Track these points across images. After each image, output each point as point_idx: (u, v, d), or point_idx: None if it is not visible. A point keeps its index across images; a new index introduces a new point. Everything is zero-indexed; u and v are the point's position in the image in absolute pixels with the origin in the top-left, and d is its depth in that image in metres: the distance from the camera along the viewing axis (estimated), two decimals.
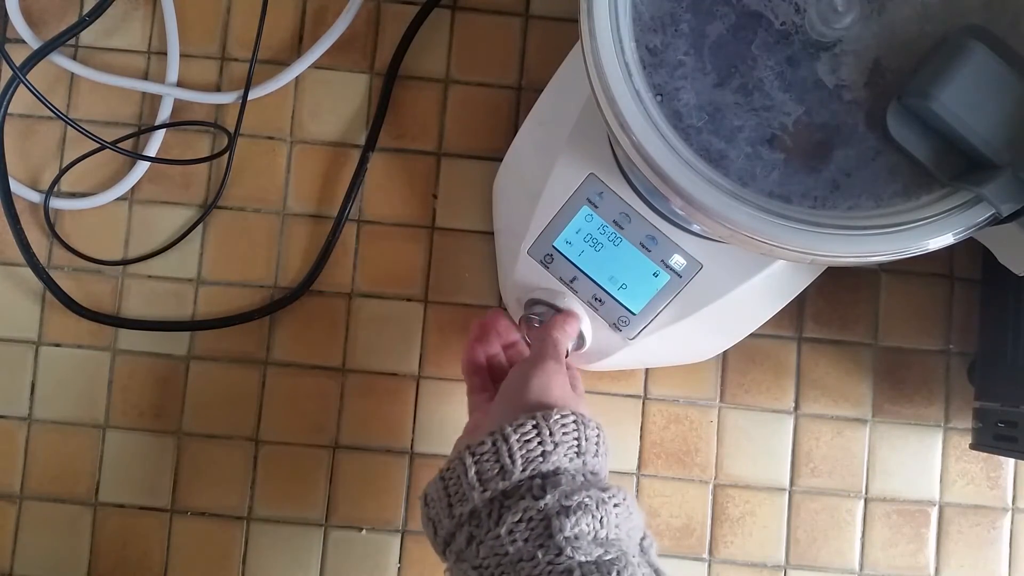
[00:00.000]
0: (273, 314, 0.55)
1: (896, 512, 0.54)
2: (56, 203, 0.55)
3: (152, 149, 0.55)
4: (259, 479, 0.55)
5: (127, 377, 0.55)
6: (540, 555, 0.35)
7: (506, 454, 0.38)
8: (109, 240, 0.56)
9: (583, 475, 0.39)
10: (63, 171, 0.55)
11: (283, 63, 0.56)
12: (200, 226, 0.56)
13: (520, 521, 0.36)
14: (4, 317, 0.55)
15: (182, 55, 0.56)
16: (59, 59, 0.55)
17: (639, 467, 0.54)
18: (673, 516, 0.54)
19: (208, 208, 0.55)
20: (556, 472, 0.39)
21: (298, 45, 0.56)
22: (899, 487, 0.54)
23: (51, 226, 0.55)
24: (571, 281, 0.47)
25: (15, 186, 0.54)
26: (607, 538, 0.36)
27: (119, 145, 0.54)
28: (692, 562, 0.54)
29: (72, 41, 0.56)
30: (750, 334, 0.51)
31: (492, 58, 0.56)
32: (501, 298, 0.55)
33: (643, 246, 0.46)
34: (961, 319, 0.55)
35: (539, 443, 0.39)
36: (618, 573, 0.35)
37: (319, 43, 0.55)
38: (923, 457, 0.55)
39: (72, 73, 0.56)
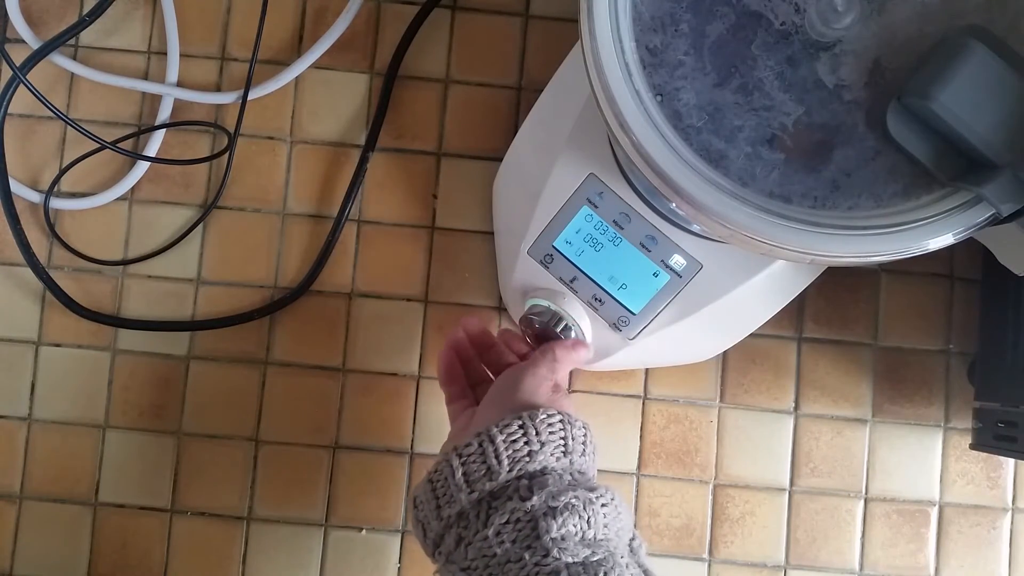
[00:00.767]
0: (273, 314, 0.55)
1: (896, 512, 0.54)
2: (56, 203, 0.55)
3: (152, 149, 0.55)
4: (259, 479, 0.55)
5: (127, 377, 0.55)
6: (527, 556, 0.35)
7: (492, 454, 0.38)
8: (109, 240, 0.56)
9: (570, 474, 0.39)
10: (63, 171, 0.55)
11: (283, 63, 0.56)
12: (200, 226, 0.56)
13: (507, 523, 0.37)
14: (4, 317, 0.55)
15: (182, 55, 0.56)
16: (59, 59, 0.55)
17: (639, 467, 0.54)
18: (673, 516, 0.54)
19: (208, 208, 0.55)
20: (543, 472, 0.39)
21: (298, 45, 0.56)
22: (899, 487, 0.54)
23: (51, 226, 0.55)
24: (571, 281, 0.47)
25: (15, 186, 0.54)
26: (595, 539, 0.36)
27: (119, 145, 0.54)
28: (692, 562, 0.54)
29: (72, 41, 0.56)
30: (750, 334, 0.51)
31: (492, 58, 0.56)
32: (501, 298, 0.55)
33: (643, 246, 0.46)
34: (961, 319, 0.55)
35: (525, 443, 0.39)
36: (605, 574, 0.35)
37: (319, 43, 0.55)
38: (923, 457, 0.55)
39: (72, 73, 0.56)
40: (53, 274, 0.55)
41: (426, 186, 0.56)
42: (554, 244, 0.47)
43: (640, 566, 0.38)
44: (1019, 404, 0.48)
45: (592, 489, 0.38)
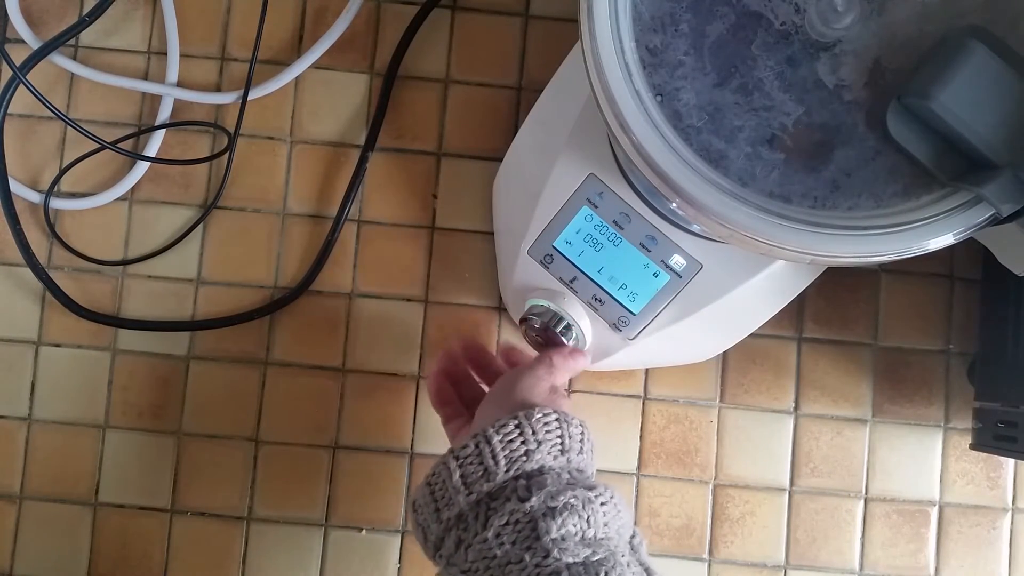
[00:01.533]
0: (273, 314, 0.55)
1: (896, 512, 0.54)
2: (56, 203, 0.55)
3: (152, 149, 0.55)
4: (259, 479, 0.55)
5: (127, 377, 0.55)
6: (527, 558, 0.35)
7: (489, 455, 0.38)
8: (109, 240, 0.56)
9: (568, 473, 0.39)
10: (63, 171, 0.55)
11: (283, 63, 0.56)
12: (200, 226, 0.56)
13: (507, 524, 0.36)
14: (4, 317, 0.55)
15: (182, 55, 0.56)
16: (59, 59, 0.55)
17: (639, 467, 0.54)
18: (673, 516, 0.54)
19: (208, 208, 0.55)
20: (541, 471, 0.39)
21: (298, 45, 0.56)
22: (899, 487, 0.54)
23: (51, 226, 0.55)
24: (571, 281, 0.47)
25: (15, 186, 0.54)
26: (595, 538, 0.36)
27: (119, 145, 0.54)
28: (692, 562, 0.54)
29: (72, 41, 0.56)
30: (750, 334, 0.51)
31: (492, 58, 0.56)
32: (501, 298, 0.55)
33: (643, 246, 0.46)
34: (961, 319, 0.55)
35: (522, 442, 0.39)
36: (606, 574, 0.35)
37: (319, 43, 0.55)
38: (923, 457, 0.55)
39: (72, 73, 0.56)
40: (53, 274, 0.55)
41: (426, 186, 0.56)
42: (554, 244, 0.47)
43: (641, 564, 0.37)
44: (1019, 404, 0.48)
45: (591, 488, 0.38)
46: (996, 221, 0.34)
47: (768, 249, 0.35)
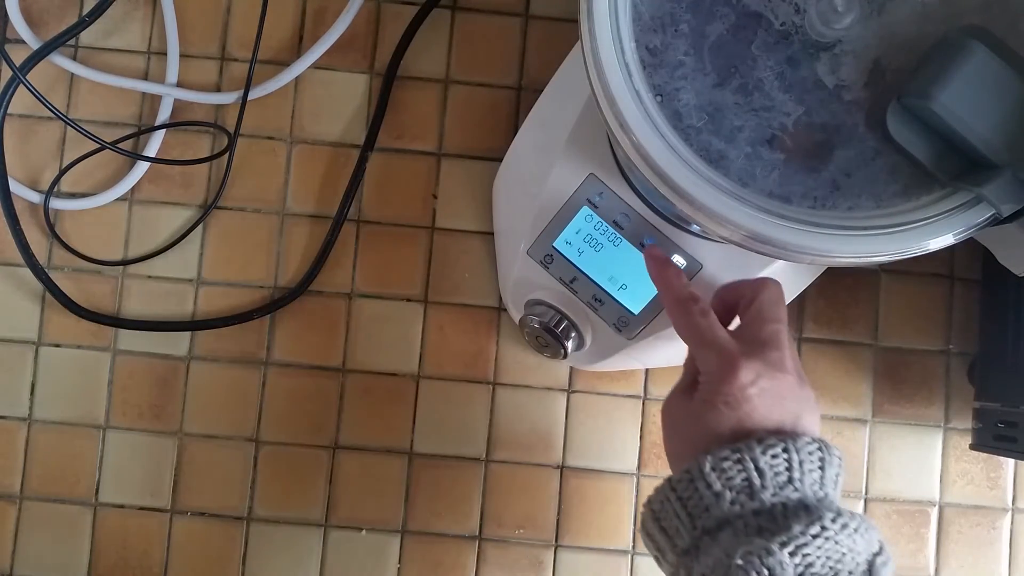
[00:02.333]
0: (273, 314, 0.55)
1: (896, 512, 0.54)
2: (56, 203, 0.55)
3: (152, 149, 0.55)
4: (259, 479, 0.55)
5: (127, 377, 0.55)
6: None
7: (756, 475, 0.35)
8: (109, 240, 0.56)
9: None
10: (63, 171, 0.55)
11: (283, 63, 0.56)
12: (200, 226, 0.56)
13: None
14: (4, 317, 0.55)
15: (182, 55, 0.56)
16: (59, 59, 0.55)
17: (639, 467, 0.54)
18: None
19: (208, 208, 0.55)
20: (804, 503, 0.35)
21: (298, 45, 0.56)
22: (899, 487, 0.54)
23: (51, 226, 0.55)
24: (571, 281, 0.47)
25: (15, 186, 0.54)
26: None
27: (119, 145, 0.54)
28: None
29: (72, 41, 0.56)
30: None
31: (492, 58, 0.56)
32: (501, 298, 0.55)
33: (643, 246, 0.46)
34: (961, 319, 0.55)
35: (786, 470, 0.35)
36: None
37: (319, 43, 0.55)
38: (923, 457, 0.55)
39: (72, 73, 0.56)
40: (53, 274, 0.55)
41: (426, 186, 0.56)
42: (554, 244, 0.47)
43: None
44: (1019, 404, 0.48)
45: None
46: (996, 221, 0.34)
47: (768, 249, 0.35)
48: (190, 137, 0.56)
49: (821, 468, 0.36)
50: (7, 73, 0.55)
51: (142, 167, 0.55)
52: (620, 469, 0.54)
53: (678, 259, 0.46)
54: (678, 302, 0.40)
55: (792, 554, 0.32)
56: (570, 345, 0.48)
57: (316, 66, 0.56)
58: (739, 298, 0.41)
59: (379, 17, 0.56)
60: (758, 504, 0.34)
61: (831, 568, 0.33)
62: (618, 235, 0.46)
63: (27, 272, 0.54)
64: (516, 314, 0.50)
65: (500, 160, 0.53)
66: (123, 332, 0.55)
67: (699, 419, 0.37)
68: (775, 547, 0.32)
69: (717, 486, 0.35)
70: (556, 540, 0.54)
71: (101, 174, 0.56)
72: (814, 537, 0.33)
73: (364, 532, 0.54)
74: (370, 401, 0.55)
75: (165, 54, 0.56)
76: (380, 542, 0.54)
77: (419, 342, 0.55)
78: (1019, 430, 0.48)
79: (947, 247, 0.35)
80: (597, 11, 0.35)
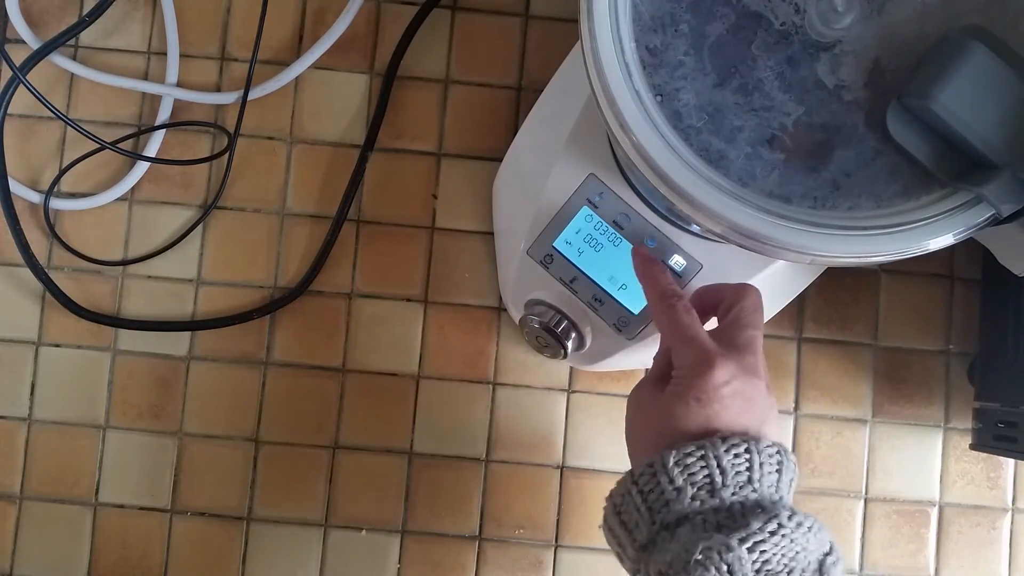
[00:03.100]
0: (273, 314, 0.55)
1: (896, 512, 0.54)
2: (56, 203, 0.55)
3: (152, 149, 0.55)
4: (259, 479, 0.55)
5: (127, 377, 0.55)
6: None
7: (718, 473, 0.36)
8: (109, 240, 0.56)
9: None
10: (63, 171, 0.55)
11: (283, 63, 0.56)
12: (200, 226, 0.56)
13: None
14: (4, 317, 0.55)
15: (182, 55, 0.56)
16: (59, 59, 0.55)
17: None
18: None
19: (208, 208, 0.55)
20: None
21: (298, 45, 0.56)
22: (899, 487, 0.54)
23: (51, 226, 0.55)
24: (571, 281, 0.47)
25: (15, 186, 0.54)
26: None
27: (119, 145, 0.54)
28: None
29: (72, 41, 0.56)
30: None
31: (492, 58, 0.56)
32: (501, 298, 0.55)
33: (643, 246, 0.46)
34: (961, 319, 0.55)
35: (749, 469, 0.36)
36: None
37: (319, 43, 0.55)
38: (923, 457, 0.55)
39: (72, 73, 0.56)
40: (53, 274, 0.55)
41: (426, 186, 0.56)
42: (554, 244, 0.47)
43: None
44: (1019, 404, 0.48)
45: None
46: (996, 221, 0.34)
47: (768, 249, 0.35)
48: (190, 137, 0.56)
49: (779, 472, 0.36)
50: (7, 73, 0.55)
51: (142, 167, 0.55)
52: (620, 469, 0.54)
53: (678, 259, 0.46)
54: (662, 297, 0.41)
55: (750, 550, 0.33)
56: (570, 345, 0.48)
57: (316, 66, 0.56)
58: (719, 300, 0.42)
59: (379, 17, 0.56)
60: (718, 502, 0.35)
61: (785, 566, 0.33)
62: (618, 235, 0.46)
63: (27, 272, 0.54)
64: (516, 314, 0.50)
65: (500, 160, 0.53)
66: (123, 332, 0.55)
67: (667, 411, 0.37)
68: (734, 543, 0.33)
69: (679, 481, 0.35)
70: (556, 540, 0.54)
71: (101, 174, 0.56)
72: (771, 534, 0.33)
73: (364, 532, 0.54)
74: (370, 401, 0.55)
75: (165, 54, 0.56)
76: (380, 542, 0.54)
77: (419, 342, 0.55)
78: (1019, 430, 0.48)
79: (947, 247, 0.35)
80: (597, 11, 0.35)
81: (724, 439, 0.36)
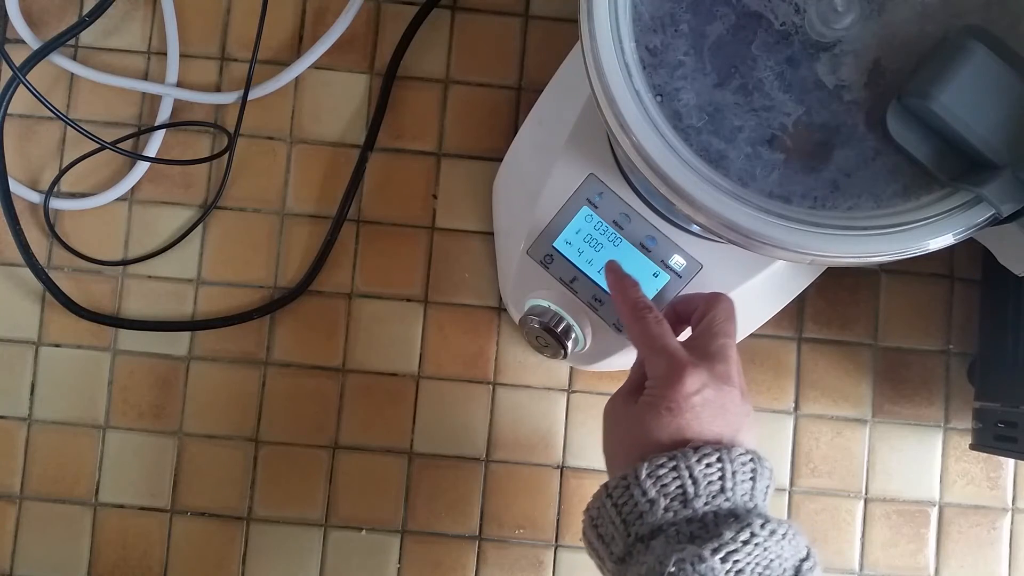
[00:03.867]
0: (273, 314, 0.55)
1: (896, 512, 0.54)
2: (56, 203, 0.55)
3: (152, 149, 0.55)
4: (259, 479, 0.55)
5: (127, 377, 0.55)
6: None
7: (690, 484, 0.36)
8: (109, 240, 0.56)
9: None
10: (63, 171, 0.55)
11: (283, 63, 0.56)
12: (200, 226, 0.56)
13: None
14: (4, 317, 0.55)
15: (182, 55, 0.56)
16: (59, 59, 0.55)
17: None
18: None
19: (208, 208, 0.55)
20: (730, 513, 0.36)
21: (298, 45, 0.56)
22: (899, 487, 0.54)
23: (51, 226, 0.55)
24: (571, 281, 0.47)
25: (15, 186, 0.54)
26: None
27: (119, 145, 0.54)
28: None
29: (72, 41, 0.56)
30: (750, 334, 0.51)
31: (492, 58, 0.56)
32: (501, 298, 0.55)
33: (643, 246, 0.46)
34: (961, 319, 0.55)
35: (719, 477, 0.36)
36: None
37: (319, 43, 0.55)
38: (923, 457, 0.55)
39: (72, 73, 0.56)
40: (53, 274, 0.55)
41: (426, 186, 0.56)
42: (554, 244, 0.47)
43: None
44: (1019, 404, 0.48)
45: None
46: (996, 221, 0.34)
47: (768, 249, 0.35)
48: (190, 137, 0.56)
49: (752, 479, 0.36)
50: (7, 73, 0.55)
51: (142, 167, 0.55)
52: None
53: (678, 259, 0.46)
54: (634, 309, 0.41)
55: (723, 560, 0.33)
56: (570, 345, 0.48)
57: (316, 66, 0.56)
58: (692, 310, 0.42)
59: (379, 17, 0.56)
60: (691, 512, 0.35)
61: (759, 574, 0.33)
62: (618, 235, 0.46)
63: (27, 272, 0.54)
64: (516, 314, 0.50)
65: (500, 160, 0.53)
66: (123, 332, 0.55)
67: (641, 422, 0.38)
68: (707, 553, 0.33)
69: (652, 493, 0.35)
70: (556, 540, 0.54)
71: (101, 174, 0.56)
72: (744, 543, 0.33)
73: (364, 532, 0.54)
74: (370, 401, 0.55)
75: (165, 54, 0.56)
76: (380, 542, 0.54)
77: (419, 342, 0.55)
78: (1019, 430, 0.48)
79: (947, 247, 0.35)
80: (597, 11, 0.35)
81: (696, 449, 0.36)
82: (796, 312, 0.55)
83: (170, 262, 0.56)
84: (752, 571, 0.33)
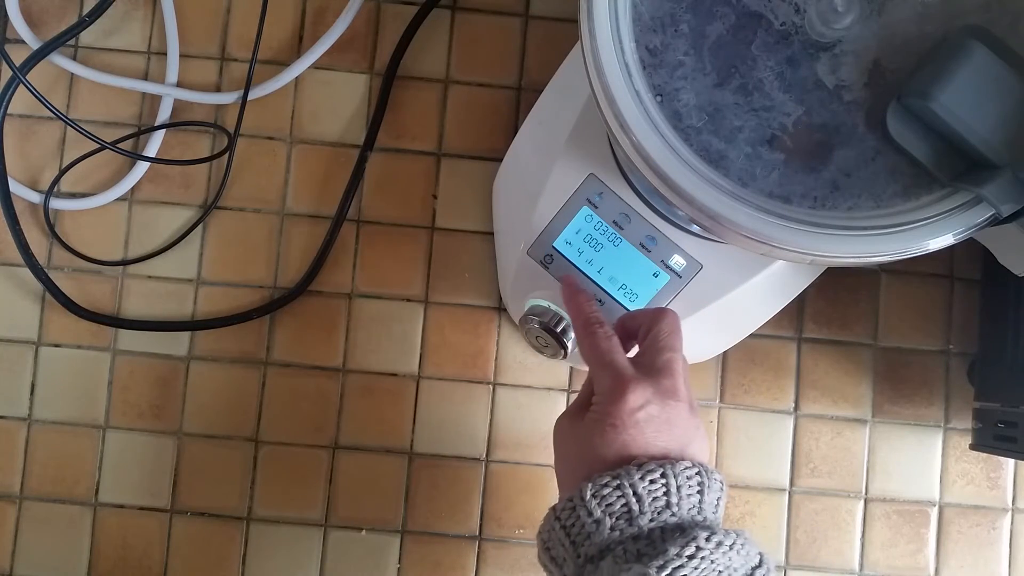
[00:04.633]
0: (273, 314, 0.55)
1: (896, 512, 0.54)
2: (56, 203, 0.55)
3: (152, 149, 0.55)
4: (259, 479, 0.55)
5: (127, 377, 0.55)
6: None
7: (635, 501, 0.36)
8: (109, 240, 0.56)
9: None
10: (63, 171, 0.55)
11: (283, 63, 0.56)
12: (200, 226, 0.56)
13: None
14: (4, 317, 0.55)
15: (182, 55, 0.56)
16: (59, 59, 0.55)
17: None
18: None
19: (208, 208, 0.55)
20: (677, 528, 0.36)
21: (298, 45, 0.56)
22: (899, 487, 0.54)
23: (51, 226, 0.55)
24: None
25: (15, 186, 0.54)
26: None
27: (119, 145, 0.54)
28: None
29: (72, 41, 0.56)
30: (750, 334, 0.51)
31: (492, 58, 0.56)
32: (501, 298, 0.55)
33: (643, 246, 0.46)
34: (961, 319, 0.55)
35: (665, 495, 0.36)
36: None
37: (319, 43, 0.55)
38: (923, 457, 0.55)
39: (72, 73, 0.56)
40: (53, 274, 0.55)
41: (426, 186, 0.56)
42: (554, 244, 0.47)
43: None
44: (1019, 404, 0.48)
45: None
46: (996, 221, 0.34)
47: (768, 249, 0.35)
48: (190, 137, 0.56)
49: (700, 493, 0.36)
50: (7, 73, 0.55)
51: (142, 167, 0.55)
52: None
53: (678, 259, 0.46)
54: (586, 324, 0.41)
55: None
56: (570, 345, 0.48)
57: (316, 66, 0.56)
58: (639, 326, 0.42)
59: (379, 17, 0.56)
60: (636, 530, 0.35)
61: None
62: (618, 235, 0.46)
63: (27, 272, 0.54)
64: (516, 314, 0.50)
65: (500, 160, 0.53)
66: (123, 332, 0.55)
67: (587, 440, 0.38)
68: (652, 571, 0.32)
69: (597, 513, 0.35)
70: None
71: (101, 174, 0.56)
72: (689, 558, 0.33)
73: (364, 532, 0.54)
74: (370, 401, 0.55)
75: (165, 54, 0.56)
76: (380, 542, 0.54)
77: (419, 342, 0.55)
78: (1019, 430, 0.48)
79: (947, 247, 0.35)
80: (597, 11, 0.35)
81: (640, 466, 0.36)
82: (796, 312, 0.55)
83: (170, 262, 0.56)
84: None
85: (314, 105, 0.56)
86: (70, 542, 0.54)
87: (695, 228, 0.45)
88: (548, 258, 0.48)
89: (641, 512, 0.35)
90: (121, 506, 0.55)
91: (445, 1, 0.56)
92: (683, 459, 0.37)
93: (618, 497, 0.35)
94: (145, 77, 0.56)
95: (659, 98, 0.36)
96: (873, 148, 0.36)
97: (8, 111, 0.54)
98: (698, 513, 0.36)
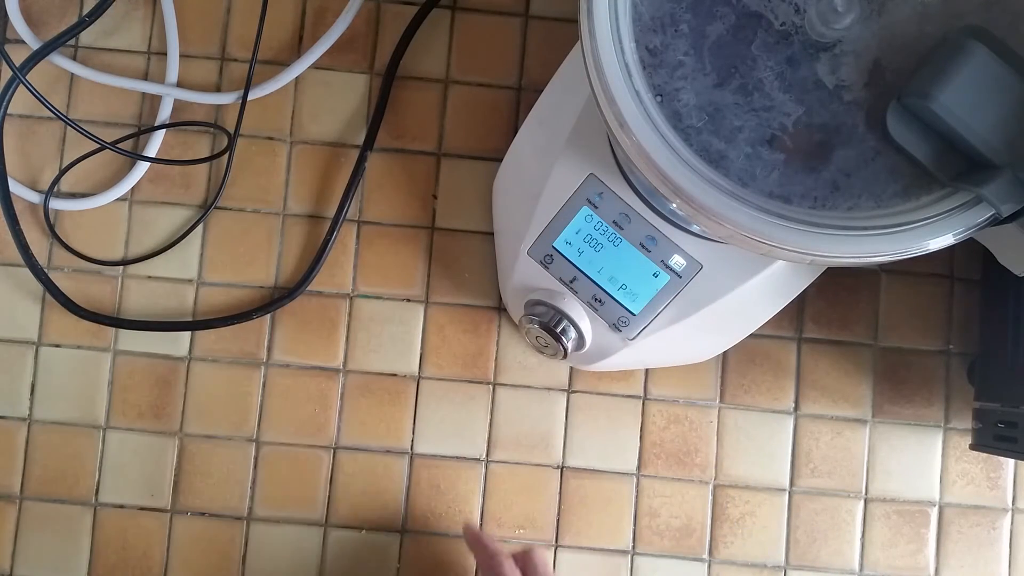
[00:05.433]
0: (273, 314, 0.55)
1: (896, 512, 0.54)
2: (56, 203, 0.55)
3: (152, 149, 0.55)
4: (259, 479, 0.55)
5: (127, 377, 0.55)
6: None
7: None
8: (109, 240, 0.56)
9: None
10: (63, 171, 0.55)
11: (283, 63, 0.56)
12: (200, 226, 0.56)
13: None
14: (4, 317, 0.55)
15: (182, 55, 0.56)
16: (59, 59, 0.55)
17: (639, 467, 0.55)
18: (673, 516, 0.54)
19: (208, 208, 0.55)
20: None
21: (298, 45, 0.56)
22: (899, 487, 0.54)
23: (51, 226, 0.55)
24: (571, 281, 0.47)
25: (15, 186, 0.54)
26: None
27: (119, 145, 0.54)
28: (692, 562, 0.54)
29: (72, 41, 0.56)
30: (750, 334, 0.51)
31: (492, 58, 0.56)
32: (501, 298, 0.55)
33: (643, 246, 0.46)
34: (961, 319, 0.55)
35: None
36: None
37: (319, 43, 0.55)
38: (923, 457, 0.55)
39: (72, 73, 0.56)
40: (53, 275, 0.55)
41: (426, 186, 0.56)
42: (554, 244, 0.47)
43: None
44: (1019, 404, 0.48)
45: None
46: (996, 221, 0.34)
47: (768, 249, 0.35)
48: (190, 137, 0.56)
49: None
50: (7, 73, 0.55)
51: (142, 167, 0.55)
52: (620, 469, 0.54)
53: (678, 259, 0.46)
54: (494, 556, 0.47)
55: None
56: (570, 345, 0.48)
57: (316, 66, 0.56)
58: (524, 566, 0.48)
59: (379, 17, 0.56)
60: None
61: None
62: (618, 235, 0.46)
63: (27, 272, 0.54)
64: (516, 314, 0.50)
65: (500, 160, 0.53)
66: (123, 332, 0.55)
67: None
68: None
69: None
70: (556, 540, 0.54)
71: (101, 174, 0.56)
72: None
73: (364, 532, 0.54)
74: (370, 401, 0.55)
75: (165, 54, 0.56)
76: (380, 542, 0.54)
77: (419, 342, 0.55)
78: (1019, 430, 0.48)
79: (947, 247, 0.35)
80: (597, 11, 0.35)
81: None
82: (796, 312, 0.55)
83: (170, 262, 0.56)
84: None
85: (314, 105, 0.56)
86: (70, 542, 0.54)
87: (695, 228, 0.45)
88: (548, 258, 0.48)
89: None
90: (121, 506, 0.55)
91: (445, 1, 0.56)
92: None
93: None
94: (145, 77, 0.56)
95: (659, 98, 0.36)
96: (873, 148, 0.36)
97: (8, 111, 0.54)
98: None
